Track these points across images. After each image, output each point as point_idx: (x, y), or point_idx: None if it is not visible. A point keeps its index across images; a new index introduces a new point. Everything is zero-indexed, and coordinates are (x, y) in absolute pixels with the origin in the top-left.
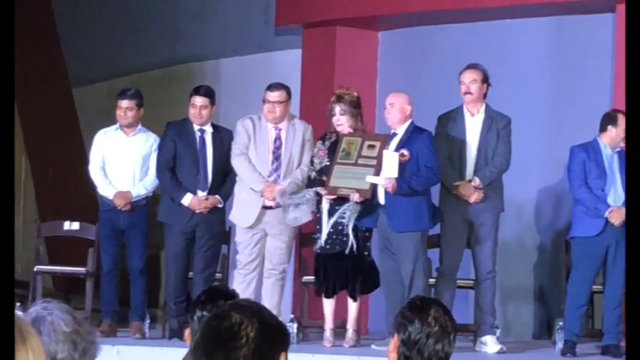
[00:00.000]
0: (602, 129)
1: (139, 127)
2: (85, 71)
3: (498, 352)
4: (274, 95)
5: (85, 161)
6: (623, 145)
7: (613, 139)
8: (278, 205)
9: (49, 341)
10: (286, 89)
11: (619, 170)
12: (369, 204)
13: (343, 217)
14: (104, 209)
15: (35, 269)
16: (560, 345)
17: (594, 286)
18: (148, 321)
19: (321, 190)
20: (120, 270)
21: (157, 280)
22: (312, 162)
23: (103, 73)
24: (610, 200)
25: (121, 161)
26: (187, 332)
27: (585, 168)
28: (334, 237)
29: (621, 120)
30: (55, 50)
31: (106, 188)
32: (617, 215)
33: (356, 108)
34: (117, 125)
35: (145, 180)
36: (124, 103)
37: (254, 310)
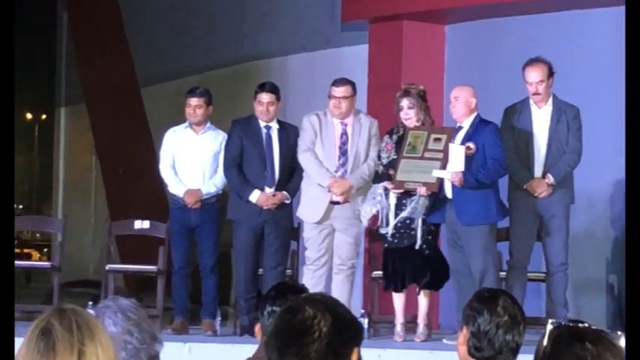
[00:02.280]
0: None
1: (208, 124)
2: (153, 71)
3: None
4: (340, 90)
5: (154, 160)
6: None
7: None
8: (346, 201)
9: None
10: (352, 84)
11: None
12: (436, 198)
13: (413, 212)
14: (175, 207)
15: (107, 268)
16: None
17: None
18: (220, 318)
19: (388, 184)
20: (191, 268)
21: (227, 278)
22: (379, 156)
23: (171, 73)
24: None
25: (191, 159)
26: (258, 328)
27: None
28: (402, 231)
29: None
30: (123, 50)
31: (176, 186)
32: None
33: (424, 101)
34: (186, 123)
35: (214, 178)
36: (194, 101)
37: (328, 304)
